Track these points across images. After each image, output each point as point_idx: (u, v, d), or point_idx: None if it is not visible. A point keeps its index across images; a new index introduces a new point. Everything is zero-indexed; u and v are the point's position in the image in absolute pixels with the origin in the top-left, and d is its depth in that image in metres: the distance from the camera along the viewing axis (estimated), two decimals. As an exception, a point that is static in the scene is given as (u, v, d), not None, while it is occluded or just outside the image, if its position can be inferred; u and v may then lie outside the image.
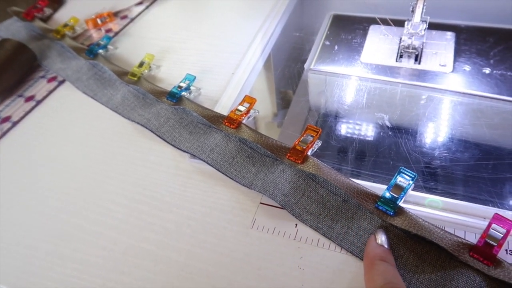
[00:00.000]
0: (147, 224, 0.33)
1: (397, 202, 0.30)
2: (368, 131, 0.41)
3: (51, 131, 0.43)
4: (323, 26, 0.51)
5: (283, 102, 0.63)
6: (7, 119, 0.44)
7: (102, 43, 0.50)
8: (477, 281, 0.26)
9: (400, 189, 0.30)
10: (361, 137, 0.40)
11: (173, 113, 0.40)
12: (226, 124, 0.37)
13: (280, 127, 0.57)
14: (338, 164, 0.38)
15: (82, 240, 0.33)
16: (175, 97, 0.41)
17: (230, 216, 0.33)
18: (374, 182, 0.33)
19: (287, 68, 0.61)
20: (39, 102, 0.46)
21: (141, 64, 0.46)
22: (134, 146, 0.40)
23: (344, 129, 0.42)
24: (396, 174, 0.31)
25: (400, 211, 0.30)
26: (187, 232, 0.32)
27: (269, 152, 0.34)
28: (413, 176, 0.31)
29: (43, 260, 0.32)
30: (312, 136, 0.34)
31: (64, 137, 0.42)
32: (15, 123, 0.44)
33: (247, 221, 0.32)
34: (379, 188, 0.32)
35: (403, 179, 0.31)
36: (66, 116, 0.44)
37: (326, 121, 0.44)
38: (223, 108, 0.42)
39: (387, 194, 0.30)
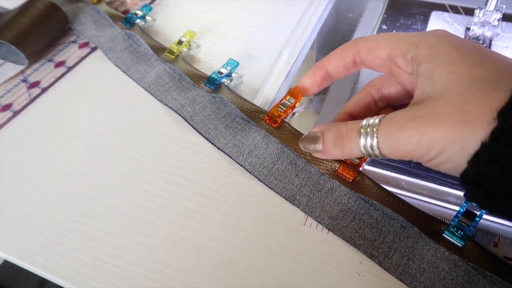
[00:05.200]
0: (188, 211, 0.31)
1: (469, 232, 0.26)
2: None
3: (83, 101, 0.40)
4: (378, 8, 0.47)
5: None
6: (35, 84, 0.41)
7: (140, 13, 0.46)
8: None
9: (472, 217, 0.26)
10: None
11: (210, 101, 0.36)
12: (267, 121, 0.33)
13: (316, 114, 0.54)
14: (397, 163, 0.34)
15: (116, 222, 0.30)
16: (214, 83, 0.37)
17: (280, 209, 0.30)
18: (440, 184, 0.30)
19: (327, 50, 0.57)
20: (70, 69, 0.43)
21: (180, 42, 0.42)
22: (173, 124, 0.37)
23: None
24: (464, 201, 0.27)
25: (471, 243, 0.26)
26: (233, 223, 0.29)
27: (315, 167, 0.30)
28: None
29: (75, 241, 0.30)
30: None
31: (97, 108, 0.39)
32: (44, 90, 0.41)
33: (299, 216, 0.29)
34: (445, 192, 0.29)
35: (473, 205, 0.27)
36: (99, 86, 0.41)
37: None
38: (265, 97, 0.38)
39: (456, 222, 0.26)
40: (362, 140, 0.23)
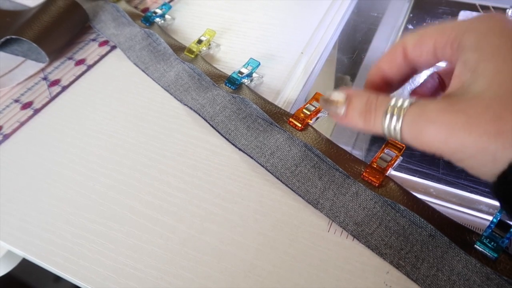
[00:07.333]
0: (208, 214, 0.30)
1: (502, 244, 0.25)
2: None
3: (102, 99, 0.39)
4: (403, 7, 0.46)
5: (339, 88, 0.58)
6: (56, 82, 0.41)
7: (160, 11, 0.45)
8: None
9: (506, 228, 0.25)
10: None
11: (231, 102, 0.35)
12: (291, 124, 0.32)
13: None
14: (425, 168, 0.33)
15: (135, 224, 0.30)
16: (234, 83, 0.36)
17: (303, 214, 0.29)
18: (471, 192, 0.28)
19: (349, 50, 0.56)
20: (90, 67, 0.43)
21: (199, 41, 0.41)
22: (193, 125, 0.36)
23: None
24: (497, 211, 0.26)
25: (505, 256, 0.25)
26: (254, 227, 0.29)
27: (341, 169, 0.29)
28: None
29: (94, 242, 0.29)
30: (394, 153, 0.29)
31: (116, 107, 0.39)
32: (64, 88, 0.41)
33: (323, 223, 0.28)
34: (477, 201, 0.28)
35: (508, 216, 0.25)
36: (119, 85, 0.41)
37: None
38: (286, 99, 0.37)
39: (488, 233, 0.25)
40: (387, 119, 0.22)
